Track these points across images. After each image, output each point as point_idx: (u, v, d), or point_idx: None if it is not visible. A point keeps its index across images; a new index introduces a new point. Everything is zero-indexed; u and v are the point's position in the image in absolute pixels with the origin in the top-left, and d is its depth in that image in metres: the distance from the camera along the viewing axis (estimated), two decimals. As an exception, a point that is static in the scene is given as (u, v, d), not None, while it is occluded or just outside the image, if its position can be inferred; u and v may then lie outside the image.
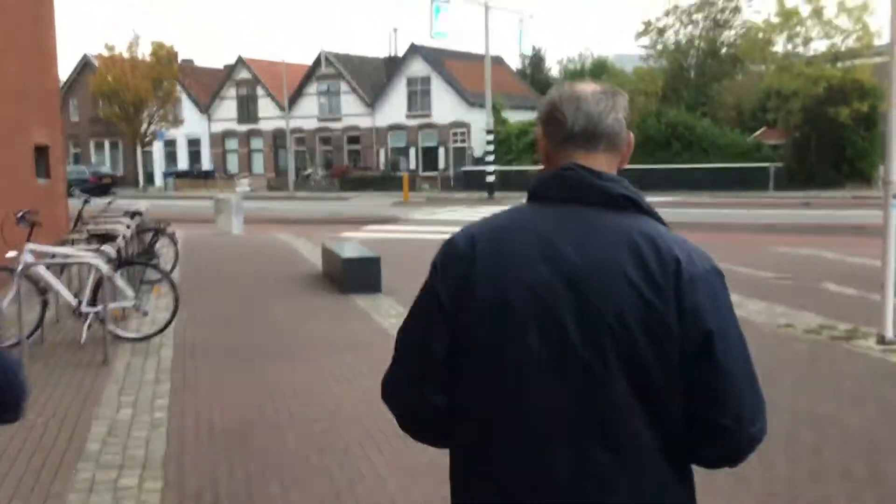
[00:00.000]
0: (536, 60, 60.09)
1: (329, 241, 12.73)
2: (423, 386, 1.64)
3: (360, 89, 44.13)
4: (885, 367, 6.76)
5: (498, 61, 47.47)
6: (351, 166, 44.02)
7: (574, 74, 56.70)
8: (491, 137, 33.31)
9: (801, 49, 33.10)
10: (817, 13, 32.02)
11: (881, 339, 7.50)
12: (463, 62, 42.45)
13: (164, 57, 41.77)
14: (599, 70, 51.20)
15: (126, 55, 41.04)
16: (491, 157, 33.17)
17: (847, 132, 31.45)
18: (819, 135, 31.81)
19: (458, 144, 41.94)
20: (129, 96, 40.11)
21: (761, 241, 16.00)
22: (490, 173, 32.82)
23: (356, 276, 10.36)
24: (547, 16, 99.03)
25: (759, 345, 7.30)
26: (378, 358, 7.08)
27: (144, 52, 41.77)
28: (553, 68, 63.26)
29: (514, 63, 59.13)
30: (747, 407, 1.55)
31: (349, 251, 11.03)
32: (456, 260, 1.62)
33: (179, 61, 50.06)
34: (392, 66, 43.56)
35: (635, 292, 1.50)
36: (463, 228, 1.68)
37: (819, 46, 33.14)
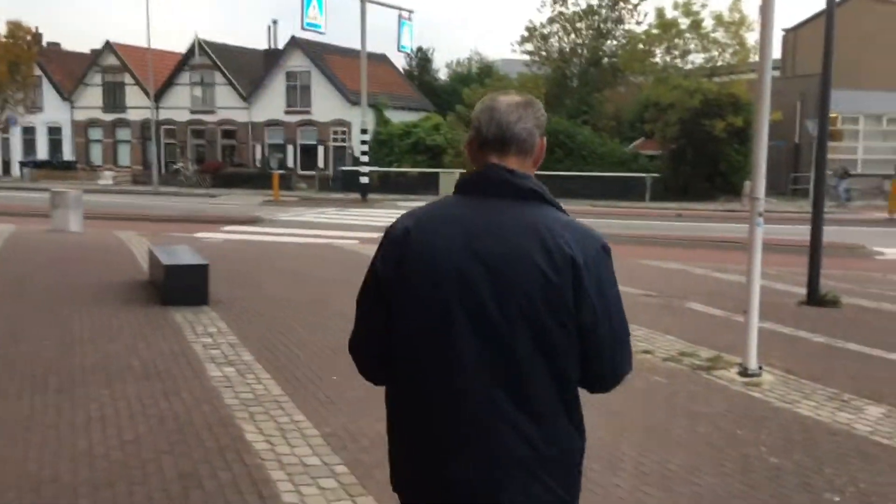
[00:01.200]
0: (423, 62, 59.31)
1: (156, 245, 11.34)
2: (369, 345, 2.04)
3: (237, 81, 42.17)
4: (745, 405, 6.06)
5: (382, 60, 46.45)
6: (225, 162, 42.01)
7: (461, 78, 56.20)
8: (366, 137, 32.03)
9: (679, 61, 33.41)
10: (696, 26, 32.35)
11: (743, 371, 6.85)
12: (346, 58, 41.14)
13: (21, 38, 38.61)
14: (485, 74, 50.94)
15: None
16: (365, 158, 31.85)
17: (721, 146, 31.89)
18: (694, 147, 32.14)
19: (339, 143, 40.57)
20: (-19, 79, 36.88)
21: (633, 253, 15.49)
22: (364, 174, 31.57)
23: (179, 285, 9.11)
24: (437, 17, 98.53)
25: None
26: (161, 391, 5.88)
27: (0, 32, 38.52)
28: (441, 70, 62.76)
29: (401, 63, 58.39)
30: (619, 359, 2.00)
31: (174, 257, 9.73)
32: (392, 243, 1.96)
33: (45, 44, 46.93)
34: (271, 59, 41.78)
35: (541, 274, 1.87)
36: (401, 216, 2.02)
37: (697, 59, 33.55)
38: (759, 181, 6.80)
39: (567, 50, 42.31)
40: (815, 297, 10.31)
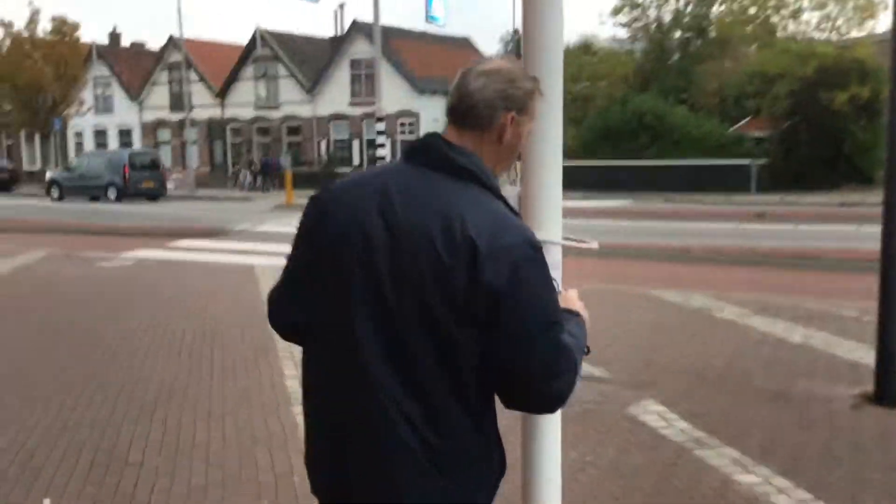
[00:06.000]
0: (520, 45, 54.67)
1: None
2: (284, 297, 1.93)
3: (302, 73, 39.05)
4: None
5: (463, 44, 42.44)
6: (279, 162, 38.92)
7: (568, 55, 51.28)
8: (381, 127, 25.47)
9: (790, 24, 27.67)
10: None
11: None
12: (415, 42, 37.33)
13: (69, 34, 36.68)
14: (585, 50, 46.13)
15: (25, 33, 36.11)
16: (382, 152, 25.57)
17: (844, 123, 25.99)
18: (810, 126, 26.37)
19: (407, 136, 36.75)
20: (24, 79, 35.09)
21: (676, 279, 10.87)
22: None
23: None
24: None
25: None
26: None
27: (46, 28, 36.84)
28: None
29: (496, 47, 54.17)
30: (537, 367, 1.69)
31: None
32: (319, 201, 1.86)
33: (128, 44, 45.51)
34: (335, 47, 38.42)
35: (433, 253, 1.68)
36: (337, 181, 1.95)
37: (812, 19, 27.69)
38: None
39: (667, 19, 36.91)
40: (888, 392, 5.59)
